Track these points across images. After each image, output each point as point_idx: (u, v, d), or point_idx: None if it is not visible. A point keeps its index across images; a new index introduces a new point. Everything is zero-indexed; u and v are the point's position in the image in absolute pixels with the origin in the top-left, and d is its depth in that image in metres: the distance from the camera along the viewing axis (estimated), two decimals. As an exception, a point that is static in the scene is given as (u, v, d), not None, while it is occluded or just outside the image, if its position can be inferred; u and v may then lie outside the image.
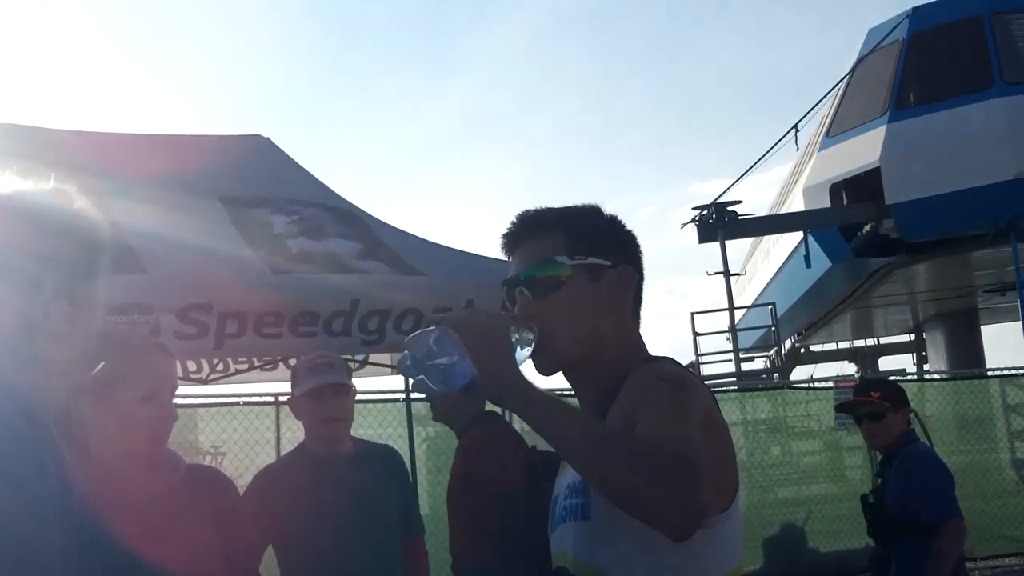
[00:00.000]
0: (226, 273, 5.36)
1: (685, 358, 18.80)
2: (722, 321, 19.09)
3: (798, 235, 18.75)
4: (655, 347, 2.14)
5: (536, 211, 2.16)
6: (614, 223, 2.17)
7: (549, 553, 2.16)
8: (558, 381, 2.10)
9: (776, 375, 20.24)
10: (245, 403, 9.27)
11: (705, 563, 1.92)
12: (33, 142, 6.11)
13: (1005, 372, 13.61)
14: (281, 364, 7.90)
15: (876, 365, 26.20)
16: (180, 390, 3.09)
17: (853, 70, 17.87)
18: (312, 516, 3.94)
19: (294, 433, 8.57)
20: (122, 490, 2.80)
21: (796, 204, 19.12)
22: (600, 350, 2.06)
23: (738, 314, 19.38)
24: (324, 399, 4.09)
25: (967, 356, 20.33)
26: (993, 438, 13.16)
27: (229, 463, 9.01)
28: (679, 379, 1.95)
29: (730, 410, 12.21)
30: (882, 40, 17.18)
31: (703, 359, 18.95)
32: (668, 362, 2.06)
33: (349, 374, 4.33)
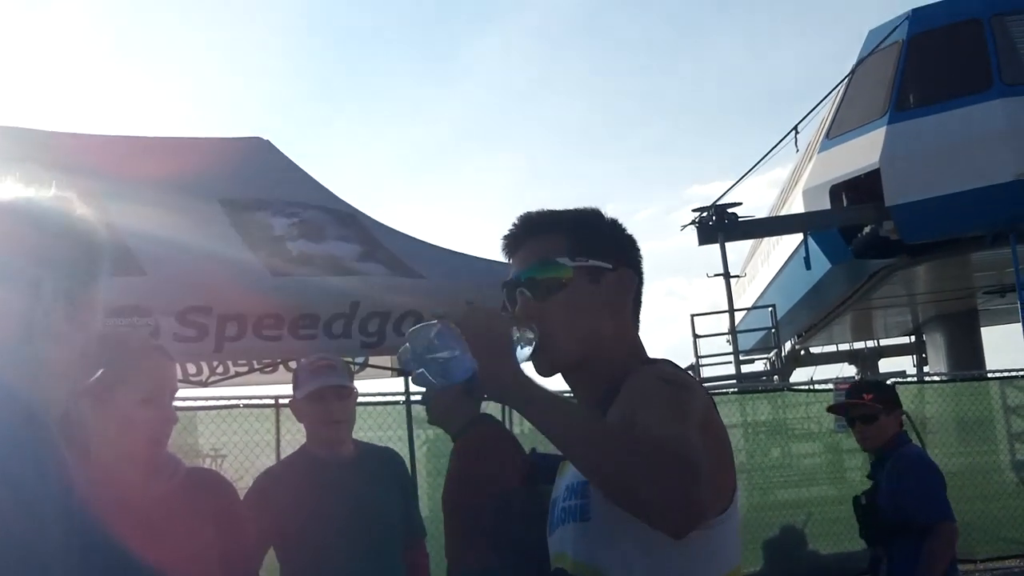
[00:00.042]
0: (226, 275, 5.37)
1: (685, 360, 18.83)
2: (722, 323, 19.10)
3: (798, 237, 18.75)
4: (655, 349, 2.15)
5: (538, 213, 2.17)
6: (614, 226, 2.18)
7: (547, 555, 2.17)
8: (557, 383, 2.10)
9: (776, 377, 20.25)
10: (245, 406, 9.27)
11: (704, 564, 1.92)
12: (32, 145, 6.12)
13: (1005, 374, 13.62)
14: (281, 367, 7.90)
15: (876, 367, 26.18)
16: (180, 393, 3.08)
17: (853, 72, 17.87)
18: (313, 518, 3.94)
19: (294, 436, 8.58)
20: (122, 493, 2.80)
21: (796, 206, 19.11)
22: (600, 352, 2.07)
23: (738, 316, 19.38)
24: (326, 401, 4.09)
25: (967, 358, 20.31)
26: (993, 440, 13.16)
27: (229, 466, 9.00)
28: (678, 380, 1.97)
29: (730, 412, 12.21)
30: (882, 42, 17.18)
31: (703, 361, 18.96)
32: (666, 364, 2.07)
33: (351, 376, 4.33)
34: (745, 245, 25.43)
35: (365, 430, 9.03)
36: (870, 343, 27.64)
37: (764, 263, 24.88)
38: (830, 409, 6.00)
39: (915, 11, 17.18)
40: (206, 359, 7.23)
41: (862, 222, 16.82)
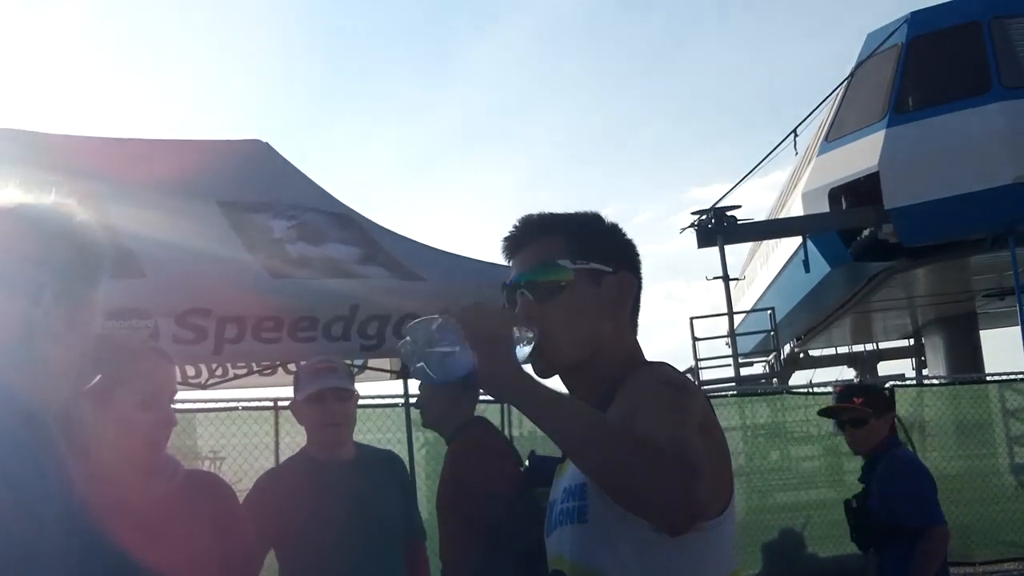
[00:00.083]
0: (225, 278, 5.37)
1: (684, 363, 18.85)
2: (721, 326, 19.10)
3: (797, 240, 18.75)
4: (654, 352, 2.16)
5: (539, 215, 2.19)
6: (615, 230, 2.20)
7: (542, 557, 2.17)
8: (555, 384, 2.11)
9: (775, 380, 20.23)
10: (244, 408, 9.26)
11: (701, 567, 1.93)
12: (33, 147, 6.12)
13: (1004, 377, 13.60)
14: (280, 369, 7.90)
15: (875, 370, 26.19)
16: (179, 395, 3.08)
17: (852, 74, 17.88)
18: (314, 520, 3.94)
19: (293, 438, 8.58)
20: (121, 495, 2.80)
21: (795, 209, 19.10)
22: (599, 354, 2.08)
23: (737, 319, 19.38)
24: (326, 403, 4.09)
25: (966, 361, 20.30)
26: (992, 443, 13.15)
27: (228, 468, 8.99)
28: (677, 382, 1.98)
29: (729, 415, 12.20)
30: (881, 44, 17.19)
31: (702, 364, 18.96)
32: (665, 366, 2.08)
33: (352, 379, 4.34)
34: (744, 248, 25.44)
35: (364, 432, 9.02)
36: (869, 346, 27.66)
37: (763, 266, 24.88)
38: (821, 413, 6.01)
39: (914, 14, 17.19)
40: (205, 361, 7.24)
41: (861, 225, 16.83)
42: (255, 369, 7.95)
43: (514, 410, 10.72)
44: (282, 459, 8.51)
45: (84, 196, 5.50)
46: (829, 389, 12.56)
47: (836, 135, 17.74)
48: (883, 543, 5.06)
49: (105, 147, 6.70)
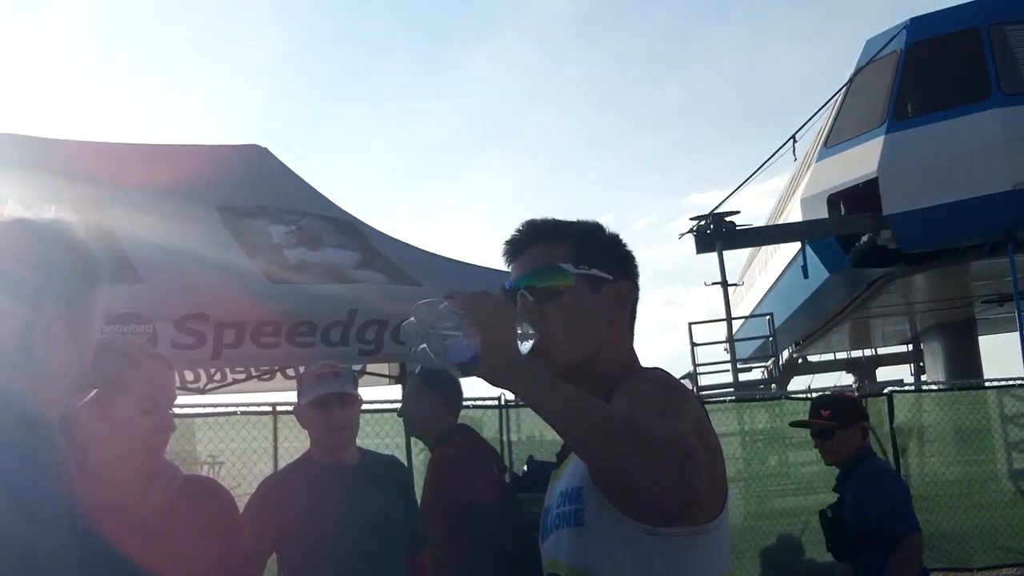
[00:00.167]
0: (224, 283, 5.37)
1: (683, 368, 18.83)
2: (720, 331, 19.10)
3: (796, 245, 18.75)
4: (653, 357, 2.18)
5: (542, 220, 2.22)
6: (616, 240, 2.23)
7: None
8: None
9: (774, 386, 20.22)
10: (242, 413, 9.25)
11: (697, 570, 1.95)
12: (33, 152, 6.13)
13: (1003, 383, 13.59)
14: (279, 374, 7.91)
15: (874, 375, 26.19)
16: (177, 400, 3.08)
17: (851, 81, 17.88)
18: (315, 524, 3.94)
19: (291, 443, 8.58)
20: (120, 500, 2.80)
21: (794, 214, 19.11)
22: (596, 358, 2.10)
23: (736, 324, 19.37)
24: (329, 408, 4.09)
25: (965, 366, 20.31)
26: (991, 449, 13.14)
27: (226, 473, 8.99)
28: (672, 383, 2.02)
29: (727, 420, 12.19)
30: (880, 51, 17.19)
31: (701, 369, 18.93)
32: (660, 371, 2.11)
33: (355, 383, 4.34)
34: (743, 254, 25.46)
35: (362, 438, 8.95)
36: (868, 352, 27.66)
37: (762, 272, 24.88)
38: (792, 424, 6.06)
39: (913, 20, 17.19)
40: (204, 366, 7.24)
41: (860, 231, 16.82)
42: (254, 374, 7.95)
43: (512, 414, 10.74)
44: (281, 464, 8.51)
45: (84, 200, 5.52)
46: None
47: (835, 141, 17.74)
48: (858, 552, 5.08)
49: (105, 152, 6.70)
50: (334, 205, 7.04)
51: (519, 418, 10.74)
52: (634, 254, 2.24)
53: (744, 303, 26.53)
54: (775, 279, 22.48)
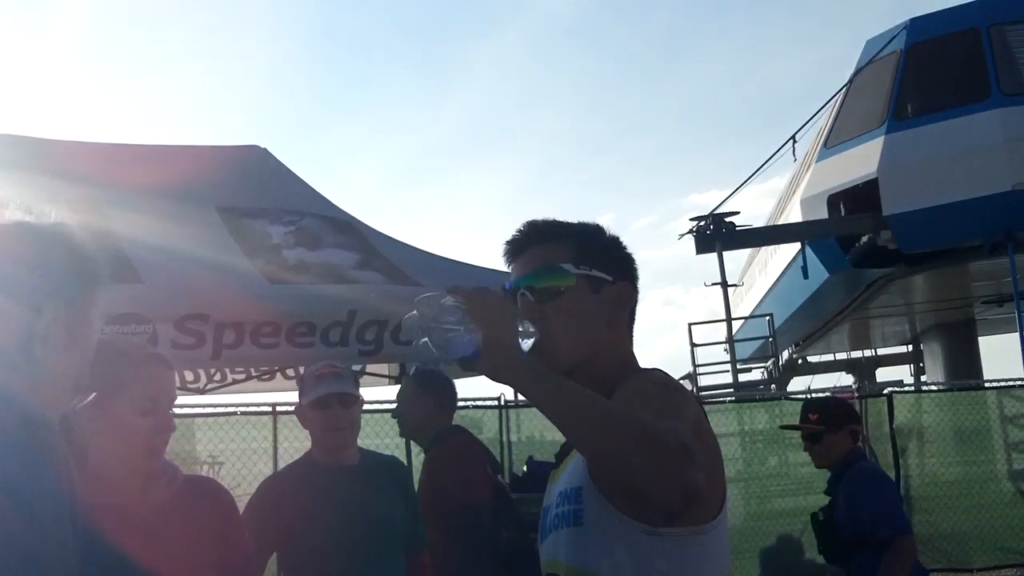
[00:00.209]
0: (223, 283, 5.37)
1: (683, 368, 18.82)
2: (720, 332, 19.09)
3: (796, 246, 18.74)
4: (652, 358, 2.19)
5: (543, 221, 2.22)
6: (617, 243, 2.24)
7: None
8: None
9: (773, 386, 20.22)
10: (242, 413, 9.26)
11: (696, 570, 1.95)
12: (32, 153, 6.13)
13: (1003, 383, 13.59)
14: (278, 374, 7.91)
15: (873, 376, 26.19)
16: (177, 400, 3.08)
17: (851, 81, 17.87)
18: (315, 524, 3.94)
19: (291, 443, 8.58)
20: (120, 500, 2.81)
21: (794, 215, 19.10)
22: (595, 359, 2.11)
23: (736, 325, 19.37)
24: (330, 408, 4.09)
25: (965, 367, 20.30)
26: (990, 449, 13.13)
27: (226, 473, 8.99)
28: (671, 384, 2.03)
29: (727, 421, 12.19)
30: (880, 51, 17.18)
31: (700, 370, 18.92)
32: (659, 372, 2.11)
33: (357, 384, 4.34)
34: (743, 254, 25.46)
35: (361, 438, 8.94)
36: (868, 352, 27.66)
37: (762, 272, 24.88)
38: (782, 427, 6.11)
39: (913, 20, 17.18)
40: (204, 366, 7.24)
41: (860, 231, 16.81)
42: (253, 374, 7.96)
43: (512, 415, 10.74)
44: (280, 464, 8.51)
45: (83, 201, 5.52)
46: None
47: (835, 141, 17.73)
48: (850, 555, 5.09)
49: (104, 152, 6.70)
50: (333, 205, 7.04)
51: (519, 418, 10.74)
52: (634, 256, 2.24)
53: (744, 304, 26.53)
54: (775, 280, 22.47)
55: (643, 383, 1.99)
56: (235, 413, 9.21)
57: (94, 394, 2.69)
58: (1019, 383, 13.35)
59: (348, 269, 6.02)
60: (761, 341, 21.16)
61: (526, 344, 1.99)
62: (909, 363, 25.93)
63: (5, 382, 1.78)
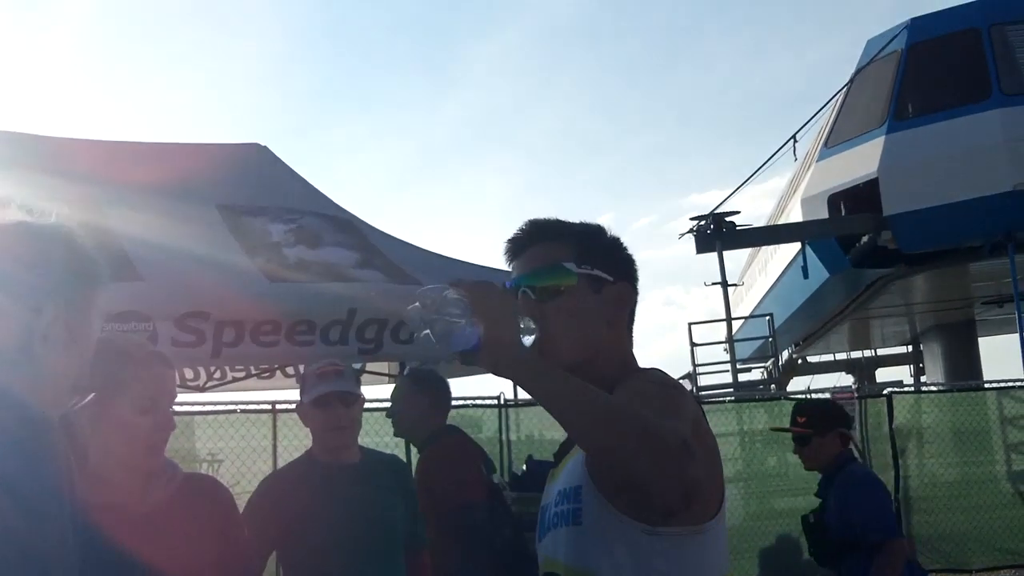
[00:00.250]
0: (223, 281, 5.37)
1: (682, 368, 18.82)
2: (719, 331, 19.09)
3: (796, 246, 18.75)
4: (652, 357, 2.19)
5: (545, 220, 2.23)
6: (617, 243, 2.25)
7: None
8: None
9: (773, 386, 20.22)
10: (242, 411, 9.25)
11: (695, 570, 1.95)
12: (31, 150, 6.13)
13: (1002, 384, 13.58)
14: (278, 372, 7.90)
15: (873, 376, 26.21)
16: (177, 398, 3.08)
17: (851, 81, 17.86)
18: (316, 523, 3.94)
19: (291, 441, 8.58)
20: (119, 498, 2.81)
21: (794, 215, 19.10)
22: (595, 358, 2.11)
23: (736, 325, 19.37)
24: (331, 407, 4.09)
25: (964, 368, 20.31)
26: (990, 450, 13.13)
27: (226, 471, 8.99)
28: (670, 383, 2.04)
29: (727, 421, 12.18)
30: (880, 51, 17.17)
31: (700, 369, 18.92)
32: (658, 372, 2.12)
33: (358, 383, 4.33)
34: (743, 254, 25.46)
35: (362, 437, 8.98)
36: (867, 353, 27.66)
37: (762, 272, 24.88)
38: (772, 430, 6.13)
39: (914, 20, 17.17)
40: (204, 364, 7.24)
41: (860, 231, 16.81)
42: (253, 372, 7.95)
43: (511, 414, 10.74)
44: (280, 462, 8.51)
45: (84, 199, 5.52)
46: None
47: (835, 141, 17.73)
48: (842, 558, 5.10)
49: (104, 150, 6.70)
50: (333, 204, 7.04)
51: (518, 417, 10.73)
52: (634, 257, 2.25)
53: (744, 303, 26.53)
54: (775, 280, 22.47)
55: (643, 383, 2.00)
56: (235, 411, 9.20)
57: (94, 393, 2.69)
58: (1019, 384, 13.35)
59: (348, 267, 6.02)
60: (761, 341, 21.17)
61: (526, 341, 1.99)
62: (909, 363, 25.95)
63: (5, 381, 1.78)
